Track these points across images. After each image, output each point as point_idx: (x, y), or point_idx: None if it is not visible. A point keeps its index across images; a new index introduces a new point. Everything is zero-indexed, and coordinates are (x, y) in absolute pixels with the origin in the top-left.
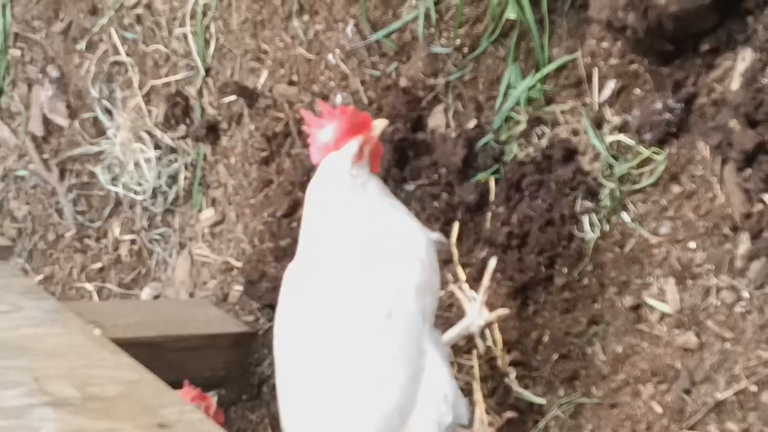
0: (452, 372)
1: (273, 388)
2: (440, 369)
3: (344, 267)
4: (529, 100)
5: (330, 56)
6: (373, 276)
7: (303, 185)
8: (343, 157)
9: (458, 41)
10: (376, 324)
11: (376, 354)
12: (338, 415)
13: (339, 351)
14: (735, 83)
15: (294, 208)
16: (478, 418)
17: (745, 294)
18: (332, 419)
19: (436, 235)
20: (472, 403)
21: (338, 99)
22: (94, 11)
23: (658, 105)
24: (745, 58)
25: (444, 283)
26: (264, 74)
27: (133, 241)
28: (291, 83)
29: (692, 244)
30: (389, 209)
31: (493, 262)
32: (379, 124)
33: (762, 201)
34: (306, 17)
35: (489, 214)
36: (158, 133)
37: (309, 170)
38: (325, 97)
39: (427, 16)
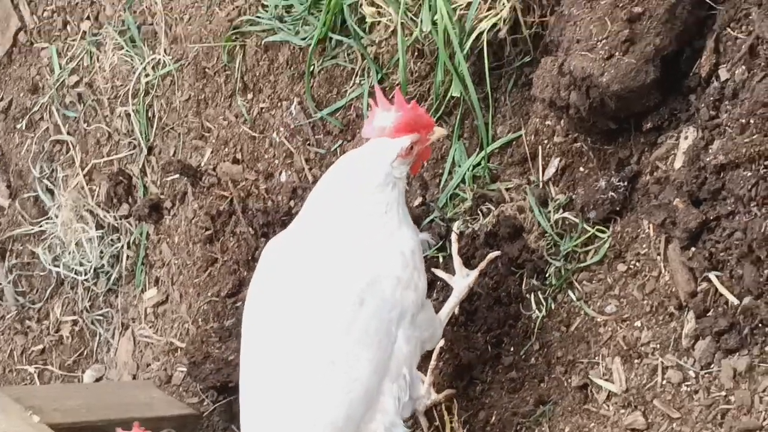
0: (416, 358)
1: None
2: (405, 353)
3: (328, 250)
4: (474, 178)
5: (274, 134)
6: (354, 263)
7: (248, 264)
8: (394, 146)
9: None
10: (348, 309)
11: (346, 339)
12: (302, 401)
13: (309, 335)
14: (678, 161)
15: (239, 288)
16: None
17: (691, 373)
18: (296, 405)
19: (425, 235)
20: None
21: (283, 177)
22: (35, 90)
23: (602, 183)
24: (687, 137)
25: None
26: (208, 152)
27: (74, 322)
28: (235, 161)
29: (638, 323)
30: (397, 220)
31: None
32: (439, 131)
33: (707, 280)
34: (250, 95)
35: (434, 292)
36: (100, 212)
37: (254, 249)
38: (270, 176)
39: (371, 94)
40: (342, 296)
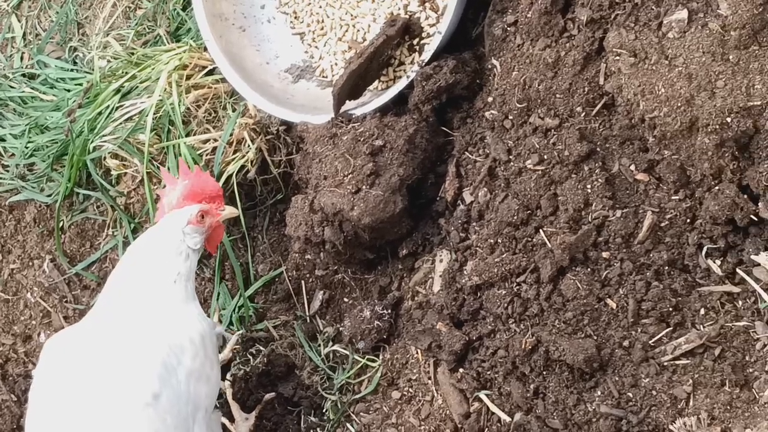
0: None
1: None
2: None
3: (117, 342)
4: (241, 319)
5: (29, 294)
6: (144, 352)
7: None
8: (183, 213)
9: None
10: (143, 405)
11: None
12: None
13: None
14: (436, 285)
15: None
16: None
17: None
18: None
19: (219, 329)
20: None
21: (42, 338)
22: None
23: (367, 313)
24: (442, 260)
25: None
26: None
27: None
28: None
29: None
30: (184, 293)
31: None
32: (229, 211)
33: (478, 399)
34: None
35: None
36: None
37: (18, 417)
38: (28, 338)
39: (125, 245)
40: (136, 391)
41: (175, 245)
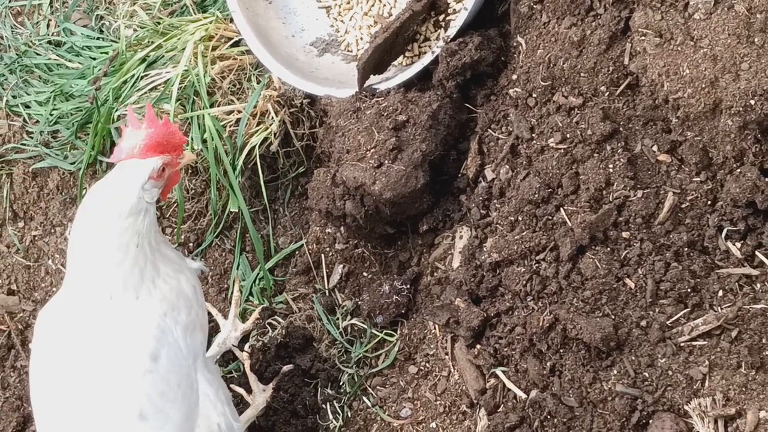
0: (227, 397)
1: None
2: (213, 401)
3: (107, 307)
4: (261, 291)
5: (50, 261)
6: (139, 317)
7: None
8: (145, 167)
9: (183, 237)
10: (143, 367)
11: (148, 397)
12: None
13: (111, 400)
14: (456, 261)
15: (24, 425)
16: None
17: None
18: None
19: (197, 264)
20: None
21: None
22: None
23: (386, 287)
24: (462, 236)
25: None
26: None
27: None
28: (10, 292)
29: (433, 425)
30: (160, 243)
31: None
32: (189, 156)
33: (494, 376)
34: (21, 224)
35: None
36: None
37: None
38: None
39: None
40: (134, 356)
41: (133, 205)
